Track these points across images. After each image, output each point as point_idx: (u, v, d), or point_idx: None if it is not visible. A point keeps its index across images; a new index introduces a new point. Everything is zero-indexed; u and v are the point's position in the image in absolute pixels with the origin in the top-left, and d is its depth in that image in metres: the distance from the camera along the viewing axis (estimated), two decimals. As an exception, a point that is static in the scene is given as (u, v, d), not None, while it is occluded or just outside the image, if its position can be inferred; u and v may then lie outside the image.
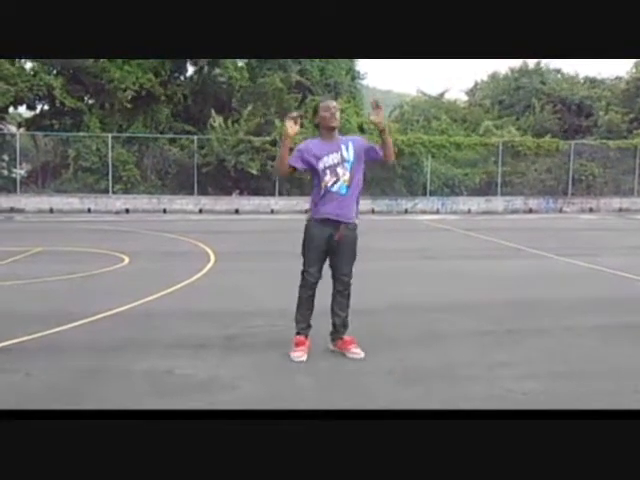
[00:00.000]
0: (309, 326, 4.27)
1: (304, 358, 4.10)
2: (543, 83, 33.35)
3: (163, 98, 22.11)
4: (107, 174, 20.63)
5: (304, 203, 21.47)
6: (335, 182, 4.07)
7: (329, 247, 4.16)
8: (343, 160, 4.08)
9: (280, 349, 4.28)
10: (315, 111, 4.19)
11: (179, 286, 6.72)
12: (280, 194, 21.87)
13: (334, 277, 4.26)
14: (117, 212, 19.78)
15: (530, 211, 22.90)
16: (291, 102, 23.11)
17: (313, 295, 4.25)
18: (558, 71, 35.39)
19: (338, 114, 4.12)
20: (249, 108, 21.82)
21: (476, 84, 40.14)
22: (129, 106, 21.03)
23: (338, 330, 4.26)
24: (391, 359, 4.13)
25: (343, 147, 4.11)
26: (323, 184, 4.08)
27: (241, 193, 21.87)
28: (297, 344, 4.19)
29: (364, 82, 32.25)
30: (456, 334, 4.84)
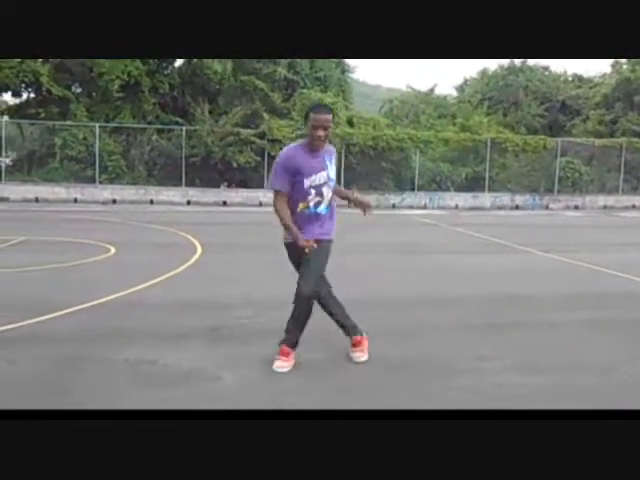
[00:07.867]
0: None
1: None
2: (530, 81, 33.60)
3: (150, 88, 21.96)
4: (94, 164, 20.49)
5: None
6: (319, 202, 3.81)
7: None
8: (329, 179, 3.82)
9: (265, 340, 4.30)
10: (306, 116, 3.73)
11: (165, 277, 6.71)
12: (268, 187, 21.83)
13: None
14: (104, 202, 19.66)
15: (517, 207, 23.06)
16: (276, 99, 23.07)
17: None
18: (546, 69, 35.62)
19: (330, 130, 3.70)
20: (235, 102, 21.86)
21: (465, 80, 40.34)
22: (117, 95, 20.87)
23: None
24: (373, 352, 4.16)
25: (328, 164, 3.82)
26: (305, 204, 3.80)
27: (229, 185, 21.81)
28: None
29: (354, 76, 32.33)
30: (439, 327, 4.89)
